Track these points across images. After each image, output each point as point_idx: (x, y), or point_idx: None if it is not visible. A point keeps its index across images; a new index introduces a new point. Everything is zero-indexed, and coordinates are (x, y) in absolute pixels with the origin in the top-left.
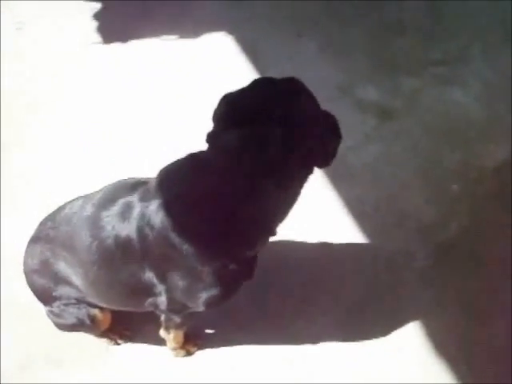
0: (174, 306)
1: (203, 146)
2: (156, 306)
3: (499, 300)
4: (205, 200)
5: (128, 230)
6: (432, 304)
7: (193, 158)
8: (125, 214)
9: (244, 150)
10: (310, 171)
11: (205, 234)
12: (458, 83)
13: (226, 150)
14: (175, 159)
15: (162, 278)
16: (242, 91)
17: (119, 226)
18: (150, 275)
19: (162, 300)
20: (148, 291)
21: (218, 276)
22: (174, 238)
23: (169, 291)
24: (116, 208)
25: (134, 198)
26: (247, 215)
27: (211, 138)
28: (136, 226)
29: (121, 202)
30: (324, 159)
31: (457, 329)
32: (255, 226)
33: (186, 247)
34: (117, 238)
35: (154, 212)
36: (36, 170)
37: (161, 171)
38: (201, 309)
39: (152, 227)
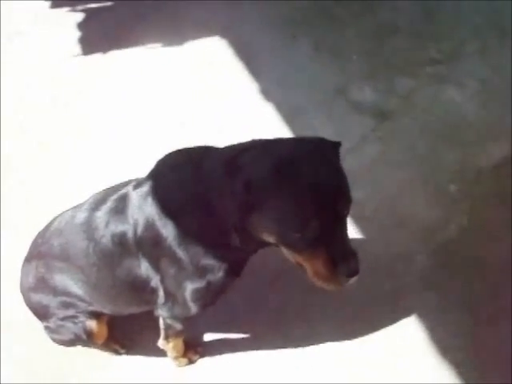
0: (172, 303)
1: None
2: (155, 301)
3: (502, 301)
4: (188, 189)
5: (122, 221)
6: (435, 307)
7: (194, 152)
8: (118, 207)
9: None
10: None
11: (183, 220)
12: (453, 82)
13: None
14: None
15: (156, 267)
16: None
17: (113, 221)
18: (145, 265)
19: (160, 294)
20: (147, 286)
21: (198, 266)
22: (158, 220)
23: (163, 281)
24: (108, 205)
25: (128, 188)
26: (226, 216)
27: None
28: (130, 214)
29: (113, 197)
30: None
31: (461, 332)
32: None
33: (165, 230)
34: (112, 233)
35: (144, 195)
36: (33, 186)
37: (158, 160)
38: (192, 307)
39: (142, 210)
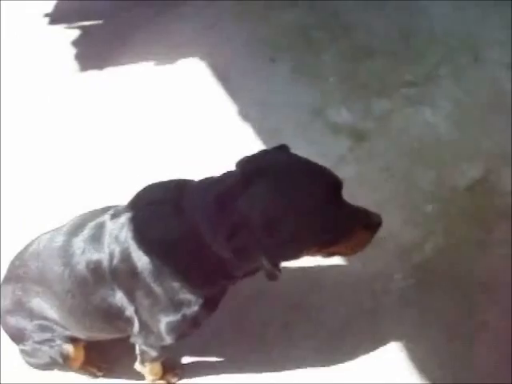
0: (146, 333)
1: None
2: (130, 330)
3: (478, 318)
4: (166, 227)
5: (98, 250)
6: (413, 326)
7: (172, 187)
8: (95, 235)
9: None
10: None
11: (159, 256)
12: (428, 104)
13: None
14: (160, 181)
15: (131, 298)
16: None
17: (89, 248)
18: (120, 295)
19: (135, 323)
20: (122, 315)
21: (173, 300)
22: (133, 252)
23: (137, 312)
24: (86, 232)
25: (105, 217)
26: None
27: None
28: (106, 243)
29: (91, 224)
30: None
31: (439, 351)
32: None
33: (141, 263)
34: (87, 261)
35: (120, 227)
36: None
37: (137, 192)
38: (166, 338)
39: (119, 241)
